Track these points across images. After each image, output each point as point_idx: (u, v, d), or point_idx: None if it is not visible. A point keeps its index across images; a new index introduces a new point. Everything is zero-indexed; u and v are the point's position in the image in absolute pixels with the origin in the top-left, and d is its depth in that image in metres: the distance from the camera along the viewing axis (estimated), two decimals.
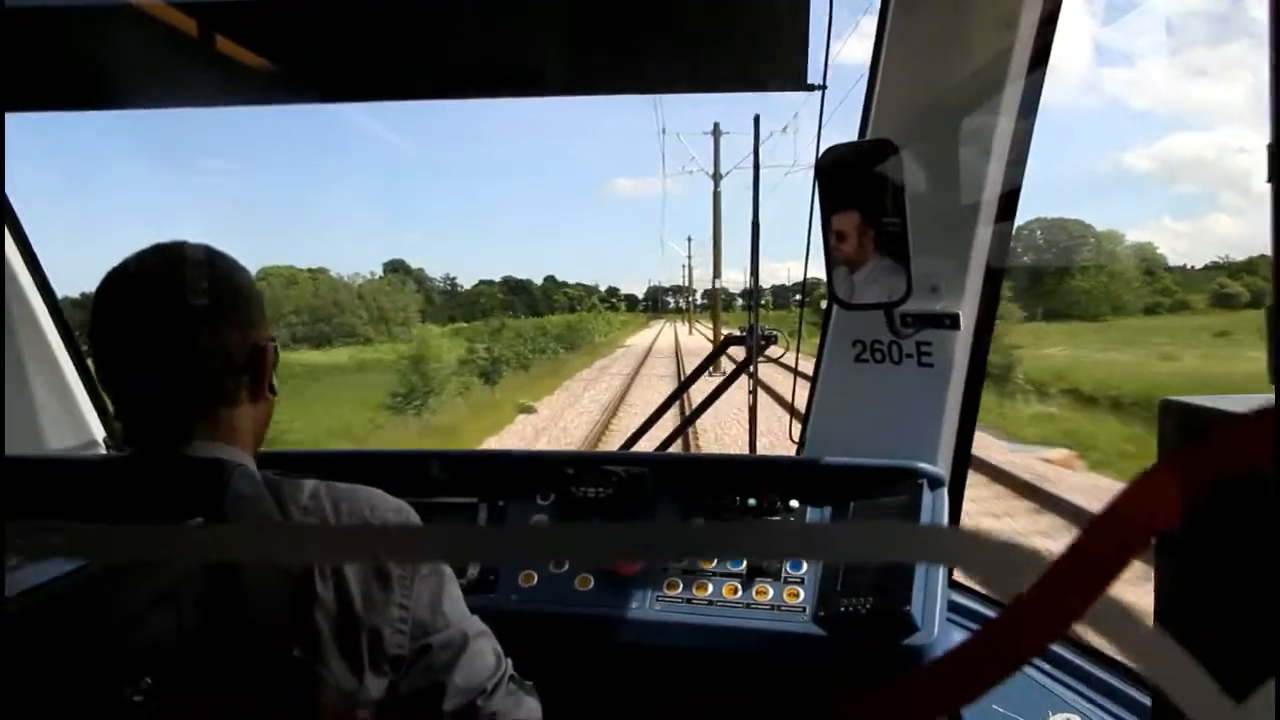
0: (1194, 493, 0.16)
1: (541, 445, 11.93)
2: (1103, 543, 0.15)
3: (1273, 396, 0.37)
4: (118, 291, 0.99)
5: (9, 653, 0.55)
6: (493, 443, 12.67)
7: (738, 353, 1.96)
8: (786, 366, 2.12)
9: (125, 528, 0.16)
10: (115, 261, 0.99)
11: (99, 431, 2.00)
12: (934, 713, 0.16)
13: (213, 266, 1.02)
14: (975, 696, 0.16)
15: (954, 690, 0.16)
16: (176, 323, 0.97)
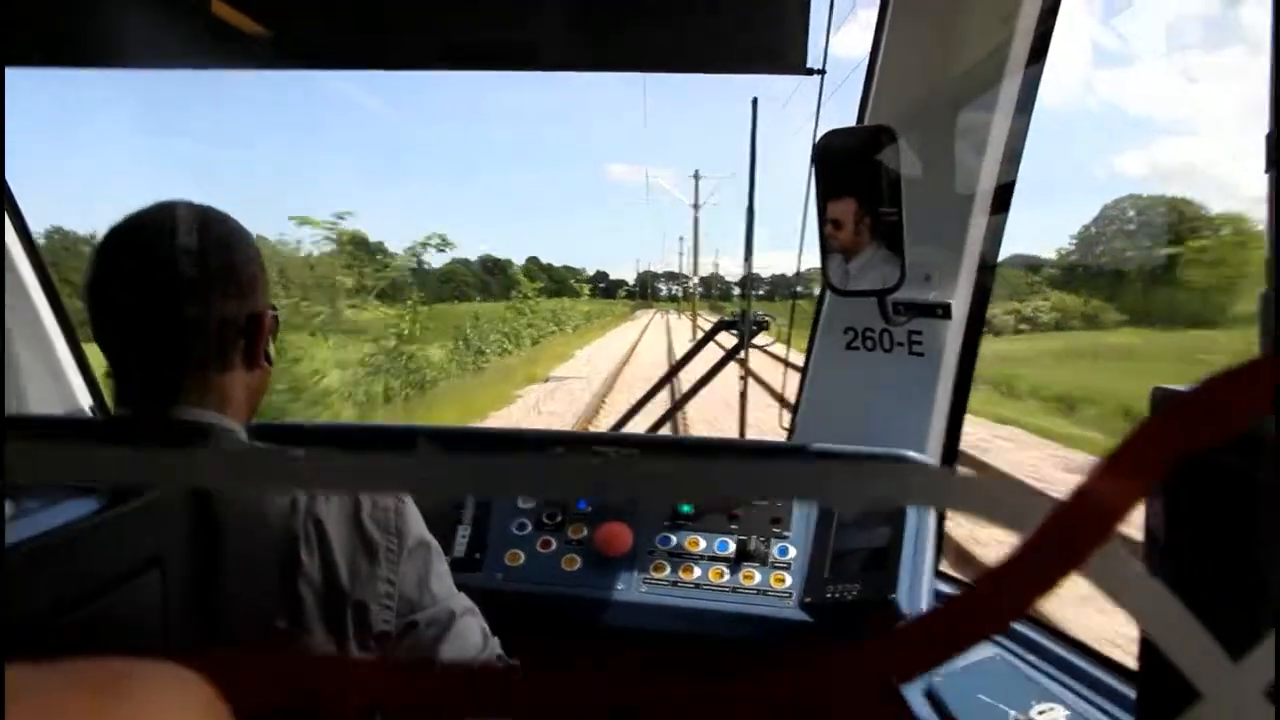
0: (1179, 453, 0.16)
1: None
2: (1085, 512, 0.15)
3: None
4: (114, 250, 0.98)
5: None
6: None
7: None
8: (776, 356, 2.13)
9: (112, 449, 0.16)
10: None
11: (85, 398, 1.99)
12: (911, 670, 0.16)
13: (212, 228, 1.00)
14: (948, 658, 0.16)
15: (927, 651, 0.16)
16: (171, 284, 0.96)
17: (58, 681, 0.13)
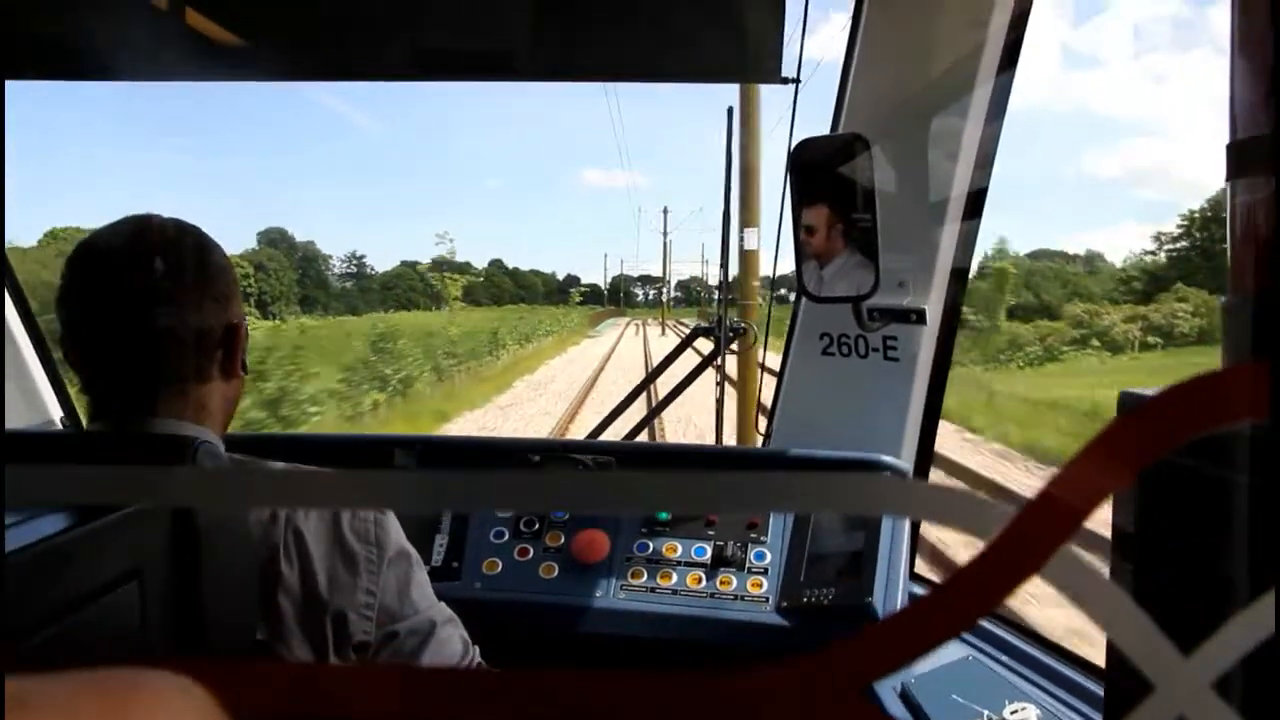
0: (1144, 458, 0.16)
1: None
2: (1050, 513, 0.16)
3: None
4: (89, 264, 0.97)
5: None
6: None
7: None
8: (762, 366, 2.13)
9: (93, 468, 0.16)
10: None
11: (56, 410, 1.97)
12: (879, 670, 0.17)
13: (186, 240, 1.00)
14: (916, 656, 0.17)
15: (896, 650, 0.17)
16: (148, 297, 0.96)
17: (66, 687, 0.13)
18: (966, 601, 0.16)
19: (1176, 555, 0.45)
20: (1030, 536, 0.15)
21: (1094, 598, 0.15)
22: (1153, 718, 0.15)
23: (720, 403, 2.08)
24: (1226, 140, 0.59)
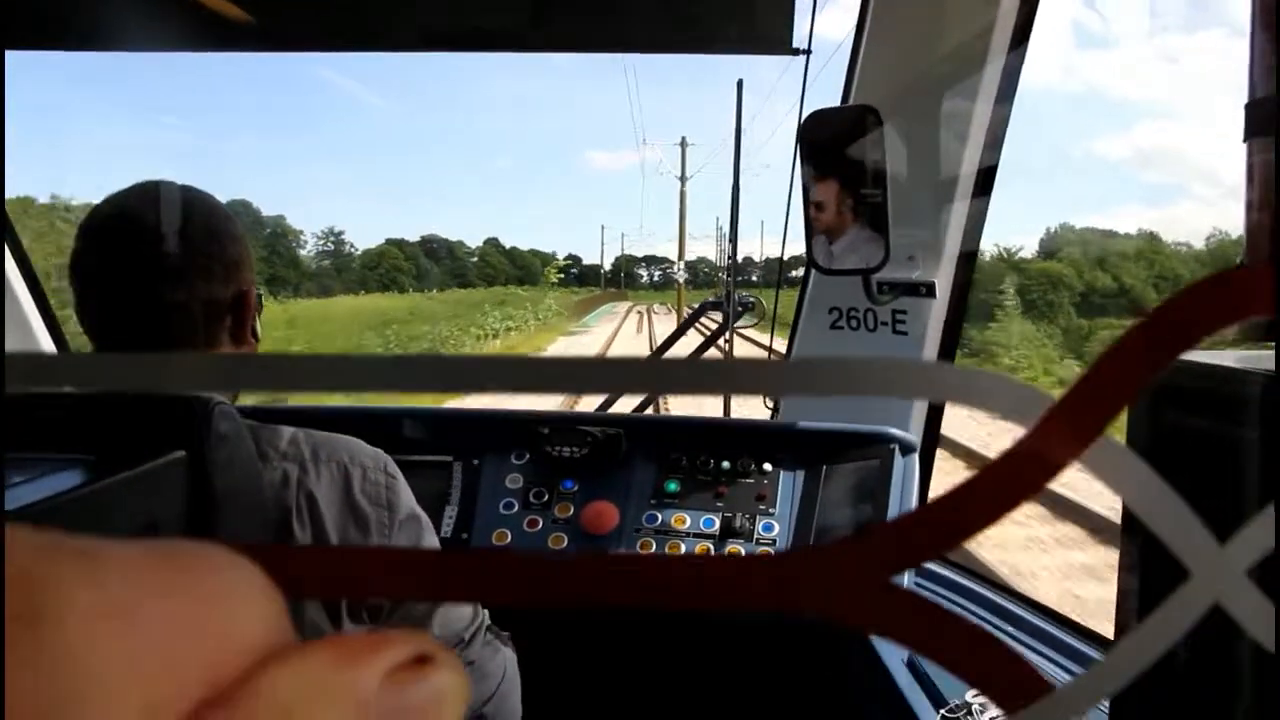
0: (1152, 368, 0.16)
1: None
2: (1068, 421, 0.16)
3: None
4: (100, 229, 0.98)
5: None
6: None
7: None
8: (759, 344, 2.14)
9: (125, 355, 0.16)
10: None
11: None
12: (891, 567, 0.17)
13: (197, 207, 1.01)
14: (928, 557, 0.17)
15: (910, 548, 0.17)
16: (158, 263, 0.96)
17: (135, 550, 0.14)
18: (989, 499, 0.16)
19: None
20: (1050, 442, 0.15)
21: (1130, 483, 0.16)
22: (1190, 602, 0.16)
23: None
24: (1245, 100, 0.59)
